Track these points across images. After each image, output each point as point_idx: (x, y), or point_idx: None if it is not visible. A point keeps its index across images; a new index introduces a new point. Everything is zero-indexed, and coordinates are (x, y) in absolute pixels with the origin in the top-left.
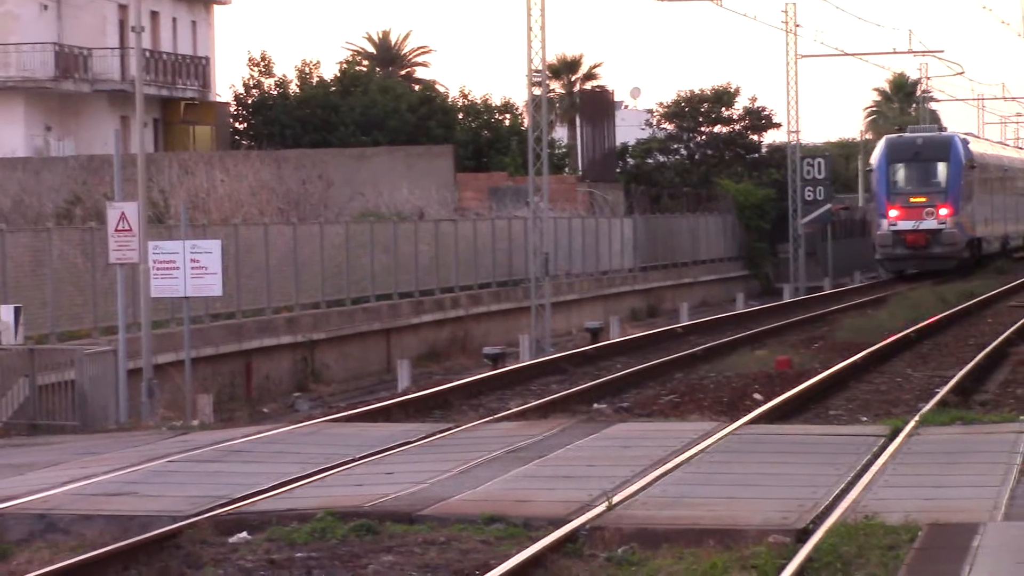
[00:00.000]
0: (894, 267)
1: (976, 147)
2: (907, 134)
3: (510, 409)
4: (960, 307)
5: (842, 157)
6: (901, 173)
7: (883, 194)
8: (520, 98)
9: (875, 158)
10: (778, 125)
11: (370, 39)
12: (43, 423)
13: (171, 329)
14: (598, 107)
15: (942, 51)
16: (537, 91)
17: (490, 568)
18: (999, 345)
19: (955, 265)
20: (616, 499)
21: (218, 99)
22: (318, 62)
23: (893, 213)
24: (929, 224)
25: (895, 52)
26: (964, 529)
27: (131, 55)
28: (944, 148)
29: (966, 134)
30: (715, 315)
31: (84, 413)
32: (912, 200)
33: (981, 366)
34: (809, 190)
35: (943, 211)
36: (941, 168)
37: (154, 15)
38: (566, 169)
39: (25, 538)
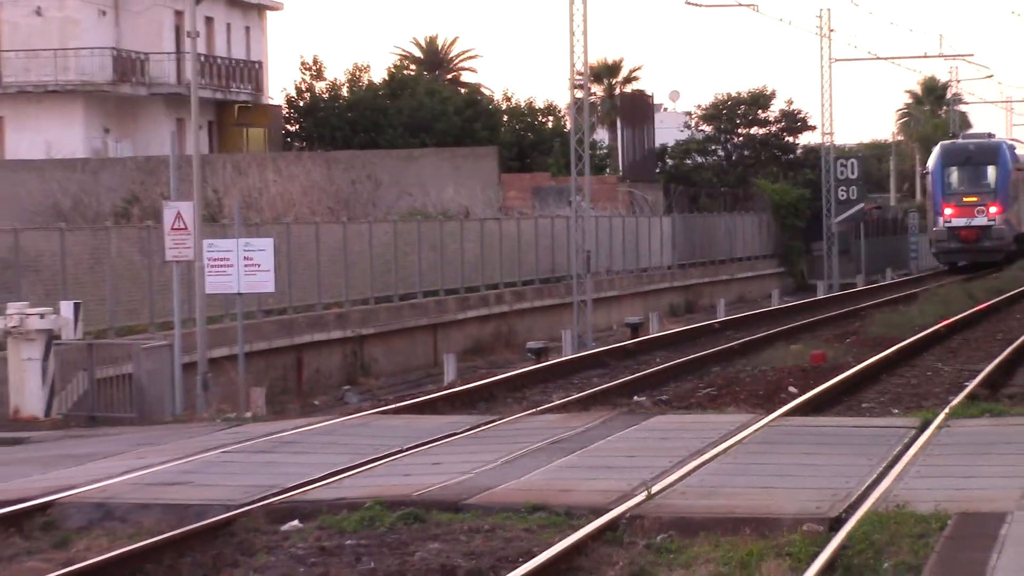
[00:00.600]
0: (948, 259)
1: (1021, 151)
2: (960, 140)
3: (553, 402)
4: (989, 303)
5: (874, 158)
6: (955, 175)
7: (939, 194)
8: (563, 101)
9: (931, 162)
10: (813, 127)
11: (418, 44)
12: (101, 415)
13: (225, 324)
14: (638, 109)
15: (972, 55)
16: (579, 94)
17: (533, 555)
18: None
19: (1003, 258)
20: (655, 489)
21: (271, 102)
22: (368, 66)
23: (948, 211)
24: (980, 221)
25: (926, 56)
26: (992, 518)
27: (187, 59)
28: (993, 153)
29: (1012, 140)
30: (751, 311)
31: (141, 405)
32: (965, 199)
33: (1010, 360)
34: (843, 190)
35: (992, 209)
36: (991, 171)
37: (209, 21)
38: (607, 170)
39: (84, 526)
